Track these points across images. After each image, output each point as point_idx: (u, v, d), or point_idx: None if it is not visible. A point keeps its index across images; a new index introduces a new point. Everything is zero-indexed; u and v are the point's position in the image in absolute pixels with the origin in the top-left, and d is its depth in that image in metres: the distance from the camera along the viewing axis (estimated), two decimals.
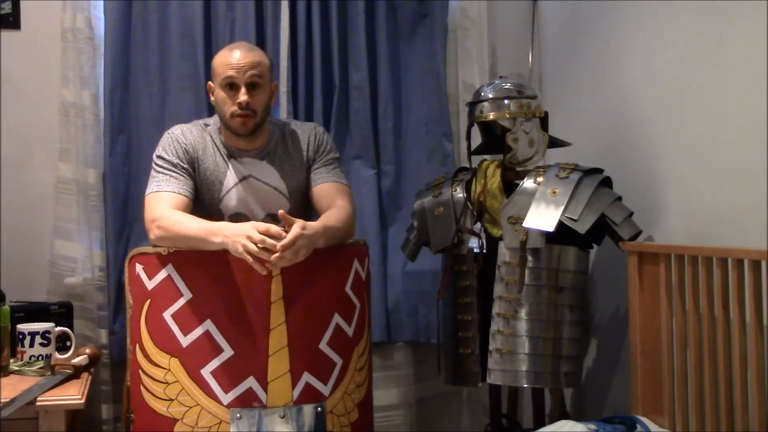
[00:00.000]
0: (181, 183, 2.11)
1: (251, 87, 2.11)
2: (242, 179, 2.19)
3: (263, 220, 2.18)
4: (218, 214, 2.18)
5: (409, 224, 2.53)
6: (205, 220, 2.01)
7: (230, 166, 2.19)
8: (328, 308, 2.02)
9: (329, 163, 2.26)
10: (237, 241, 1.87)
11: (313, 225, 1.96)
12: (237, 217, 2.19)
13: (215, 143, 2.20)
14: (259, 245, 1.86)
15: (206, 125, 2.24)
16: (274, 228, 1.89)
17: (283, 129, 2.27)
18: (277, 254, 1.86)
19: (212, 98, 2.20)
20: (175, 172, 2.12)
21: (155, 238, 2.02)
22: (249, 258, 1.86)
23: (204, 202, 2.18)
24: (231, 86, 2.11)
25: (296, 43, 2.84)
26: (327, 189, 2.21)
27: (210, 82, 2.21)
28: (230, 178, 2.19)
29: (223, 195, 2.18)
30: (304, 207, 2.27)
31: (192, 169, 2.16)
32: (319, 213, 2.17)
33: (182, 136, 2.18)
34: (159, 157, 2.15)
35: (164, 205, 2.05)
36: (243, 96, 2.09)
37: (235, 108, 2.11)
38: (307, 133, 2.27)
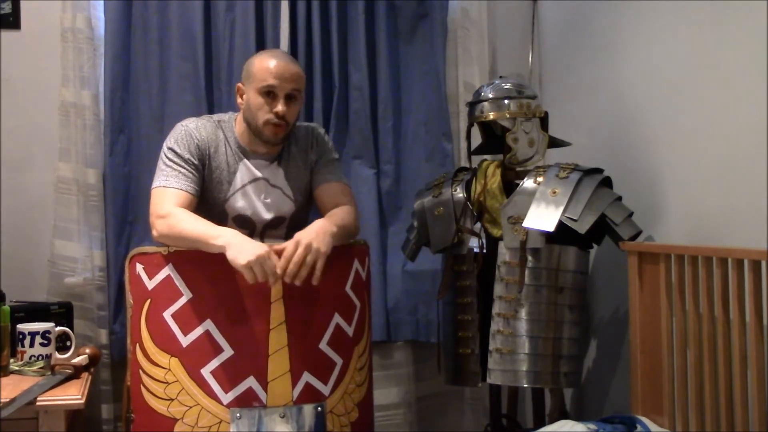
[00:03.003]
0: (189, 180, 2.09)
1: (289, 98, 2.11)
2: (252, 181, 2.18)
3: (269, 223, 2.19)
4: (222, 214, 2.17)
5: (409, 224, 2.54)
6: (209, 222, 2.01)
7: (241, 166, 2.18)
8: (328, 308, 2.02)
9: (330, 163, 2.26)
10: (243, 255, 1.86)
11: (313, 225, 1.97)
12: (241, 220, 2.18)
13: (228, 142, 2.18)
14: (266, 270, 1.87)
15: (220, 121, 2.22)
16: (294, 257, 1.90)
17: (289, 134, 2.25)
18: (289, 269, 1.88)
19: (240, 100, 2.18)
20: (184, 168, 2.10)
21: (158, 235, 2.02)
22: (250, 275, 1.86)
23: (209, 200, 2.17)
24: (269, 94, 2.10)
25: (296, 43, 2.84)
26: (330, 189, 2.21)
27: (240, 84, 2.18)
28: (239, 178, 2.18)
29: (230, 195, 2.17)
30: (305, 208, 2.28)
31: (202, 165, 2.14)
32: (322, 212, 2.16)
33: (196, 131, 2.15)
34: (170, 149, 2.12)
35: (170, 202, 2.04)
36: (282, 107, 2.09)
37: (271, 116, 2.09)
38: (308, 134, 2.26)
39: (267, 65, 2.10)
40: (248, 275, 1.86)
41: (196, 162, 2.12)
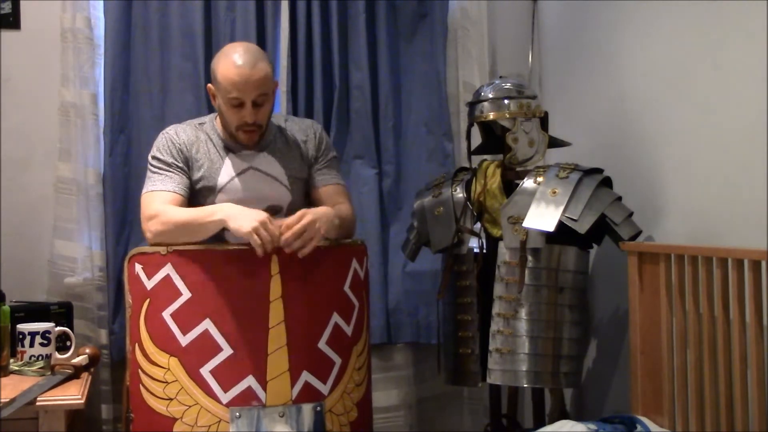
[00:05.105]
0: (175, 182, 2.13)
1: (257, 104, 2.11)
2: (242, 171, 2.19)
3: (265, 212, 2.18)
4: None
5: (410, 224, 2.53)
6: (199, 207, 2.06)
7: (229, 159, 2.19)
8: (326, 307, 2.02)
9: (330, 163, 2.28)
10: (246, 221, 1.91)
11: (322, 207, 2.04)
12: None
13: (211, 139, 2.21)
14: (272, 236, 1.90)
15: (201, 123, 2.26)
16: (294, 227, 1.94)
17: (280, 123, 2.29)
18: (285, 236, 1.92)
19: (214, 102, 2.19)
20: (169, 171, 2.14)
21: (152, 236, 2.03)
22: (256, 239, 1.89)
23: (201, 198, 2.18)
24: (236, 104, 2.10)
25: (296, 43, 2.84)
26: (330, 191, 2.24)
27: (211, 85, 2.19)
28: (228, 171, 2.18)
29: (220, 188, 2.18)
30: (304, 200, 2.28)
31: (187, 167, 2.17)
32: None
33: (176, 136, 2.19)
34: (154, 157, 2.17)
35: (158, 202, 2.07)
36: (250, 117, 2.10)
37: (241, 123, 2.12)
38: (306, 128, 2.28)
39: (230, 75, 2.07)
40: (254, 241, 1.90)
41: (180, 165, 2.15)
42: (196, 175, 2.18)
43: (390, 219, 2.92)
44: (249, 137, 2.15)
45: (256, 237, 1.90)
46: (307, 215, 1.96)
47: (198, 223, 1.98)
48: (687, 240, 2.04)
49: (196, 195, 2.18)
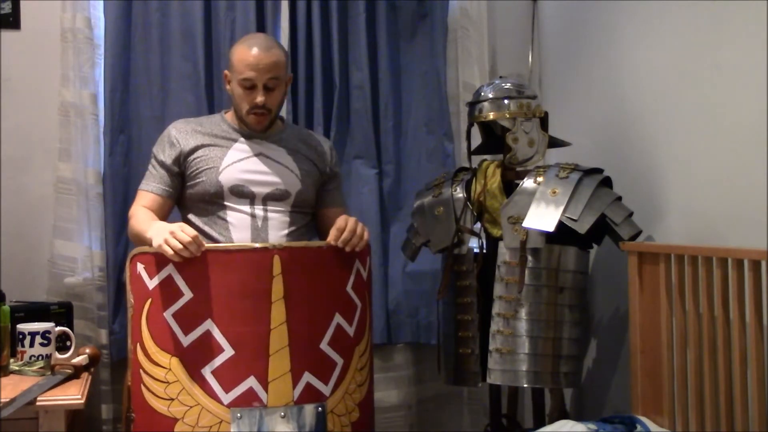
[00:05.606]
0: (156, 180, 2.23)
1: (268, 88, 2.18)
2: (250, 156, 2.23)
3: (271, 194, 2.21)
4: (218, 187, 2.19)
5: (410, 224, 2.54)
6: (152, 220, 2.12)
7: (238, 144, 2.24)
8: (329, 308, 2.02)
9: (339, 185, 2.41)
10: (158, 236, 1.95)
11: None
12: (237, 191, 2.19)
13: (219, 127, 2.27)
14: (181, 243, 1.91)
15: (208, 117, 2.36)
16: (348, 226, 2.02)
17: (300, 130, 2.41)
18: (342, 236, 2.01)
19: (228, 87, 2.26)
20: (155, 169, 2.25)
21: (129, 236, 2.24)
22: (166, 249, 1.92)
23: (205, 180, 2.20)
24: (248, 85, 2.17)
25: (296, 43, 2.84)
26: (339, 213, 2.28)
27: (227, 71, 2.25)
28: (234, 154, 2.22)
29: (223, 168, 2.20)
30: (314, 195, 2.31)
31: (179, 162, 2.22)
32: (322, 230, 2.24)
33: (174, 129, 2.27)
34: (152, 152, 2.28)
35: (138, 203, 2.22)
36: (260, 98, 2.17)
37: (252, 106, 2.19)
38: (323, 142, 2.40)
39: (245, 57, 2.17)
40: (164, 251, 1.92)
41: (169, 163, 2.23)
42: (199, 159, 2.21)
43: (390, 219, 2.92)
44: (258, 120, 2.21)
45: (165, 247, 1.92)
46: (350, 218, 2.07)
47: (143, 237, 2.07)
48: (687, 240, 2.04)
49: (202, 176, 2.20)
